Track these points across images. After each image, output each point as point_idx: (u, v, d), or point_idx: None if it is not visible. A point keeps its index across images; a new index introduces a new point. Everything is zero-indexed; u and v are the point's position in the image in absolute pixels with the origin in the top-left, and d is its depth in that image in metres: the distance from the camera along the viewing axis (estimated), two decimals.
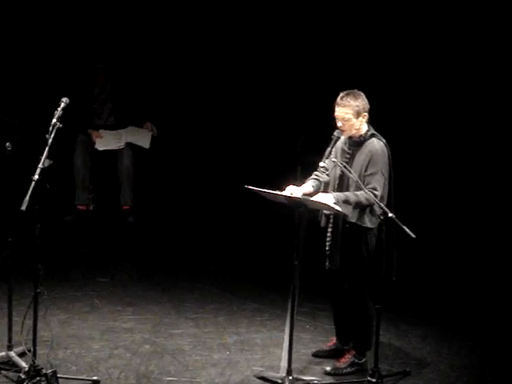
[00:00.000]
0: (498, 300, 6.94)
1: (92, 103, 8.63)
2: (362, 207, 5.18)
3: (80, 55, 8.94)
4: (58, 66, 9.07)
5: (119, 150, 8.59)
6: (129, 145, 8.59)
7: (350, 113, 5.20)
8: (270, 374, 5.30)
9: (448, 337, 6.13)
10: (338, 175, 5.30)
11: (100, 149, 8.57)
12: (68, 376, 5.13)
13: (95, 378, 5.13)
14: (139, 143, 8.62)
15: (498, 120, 8.72)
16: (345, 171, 5.20)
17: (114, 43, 8.91)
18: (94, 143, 8.59)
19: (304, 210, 5.16)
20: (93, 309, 6.37)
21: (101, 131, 8.62)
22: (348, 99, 5.21)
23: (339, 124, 5.24)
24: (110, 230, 8.45)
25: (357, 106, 5.20)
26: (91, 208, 8.74)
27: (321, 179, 5.39)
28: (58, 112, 5.09)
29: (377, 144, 5.24)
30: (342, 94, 5.26)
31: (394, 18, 8.80)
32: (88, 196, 8.66)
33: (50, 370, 4.97)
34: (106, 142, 8.61)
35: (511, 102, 8.64)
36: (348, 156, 5.29)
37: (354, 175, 5.16)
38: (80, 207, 8.62)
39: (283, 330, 6.02)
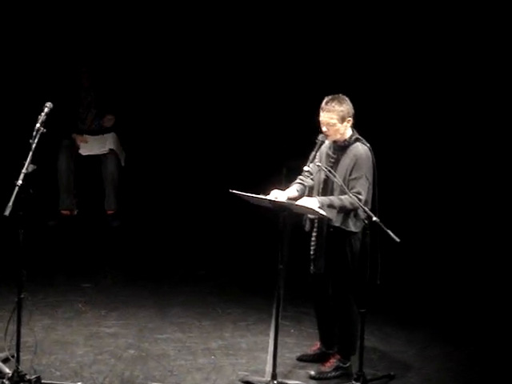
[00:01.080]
0: (481, 303, 6.97)
1: (77, 107, 8.62)
2: (346, 211, 5.19)
3: (66, 58, 8.92)
4: (42, 69, 9.04)
5: (103, 154, 8.58)
6: (112, 150, 8.58)
7: (335, 118, 5.21)
8: (255, 379, 5.30)
9: (432, 340, 6.15)
10: (322, 179, 5.32)
11: (84, 154, 8.56)
12: (52, 382, 5.10)
13: (79, 383, 5.11)
14: (119, 154, 8.64)
15: (482, 123, 8.77)
16: (329, 175, 5.21)
17: (99, 47, 8.89)
18: (78, 148, 8.57)
19: (288, 214, 5.17)
20: (77, 314, 6.35)
21: (85, 136, 8.61)
22: (333, 104, 5.22)
23: (324, 129, 5.26)
24: (94, 235, 8.42)
25: (341, 110, 5.22)
26: (75, 213, 8.71)
27: (305, 183, 5.40)
28: (42, 117, 5.07)
29: (361, 148, 5.25)
30: (326, 99, 5.27)
31: (377, 23, 8.84)
32: (72, 201, 8.63)
33: (33, 376, 4.96)
34: (90, 147, 8.60)
35: (495, 103, 8.69)
36: (332, 160, 5.31)
37: (338, 179, 5.17)
38: (64, 212, 8.59)
39: (268, 335, 6.02)
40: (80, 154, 8.56)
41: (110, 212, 8.64)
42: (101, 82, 8.64)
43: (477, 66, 8.66)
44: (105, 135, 8.63)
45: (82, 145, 8.56)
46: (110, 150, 8.56)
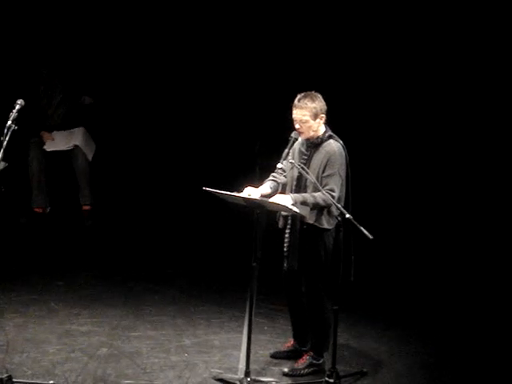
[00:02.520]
0: (453, 300, 7.03)
1: (43, 107, 8.58)
2: (319, 208, 5.20)
3: (26, 60, 8.86)
4: (5, 70, 8.97)
5: (71, 150, 8.55)
6: (77, 146, 8.56)
7: (308, 115, 5.22)
8: (228, 376, 5.30)
9: (404, 337, 6.19)
10: (295, 176, 5.32)
11: (48, 150, 8.53)
12: (24, 380, 5.06)
13: (52, 382, 5.07)
14: (84, 151, 8.59)
15: (452, 118, 8.83)
16: (302, 172, 5.22)
17: (59, 48, 8.84)
18: (43, 144, 8.55)
19: (262, 211, 5.17)
20: (49, 312, 6.31)
21: (54, 133, 8.58)
22: (305, 101, 5.23)
23: (297, 126, 5.26)
24: (67, 233, 8.37)
25: (314, 107, 5.23)
26: (48, 211, 8.67)
27: (278, 180, 5.41)
28: (14, 114, 5.04)
29: (334, 145, 5.27)
30: (299, 96, 5.28)
31: (346, 19, 8.85)
32: (45, 198, 8.59)
33: (5, 375, 4.92)
34: (55, 143, 8.57)
35: (464, 97, 8.75)
36: (305, 157, 5.31)
37: (311, 176, 5.18)
38: (36, 210, 8.54)
39: (241, 332, 6.03)
40: (45, 149, 8.53)
41: (85, 207, 8.62)
42: (69, 81, 8.61)
43: (454, 58, 8.70)
44: (73, 130, 8.61)
45: (47, 141, 8.53)
46: (75, 145, 8.53)
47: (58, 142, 8.57)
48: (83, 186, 8.58)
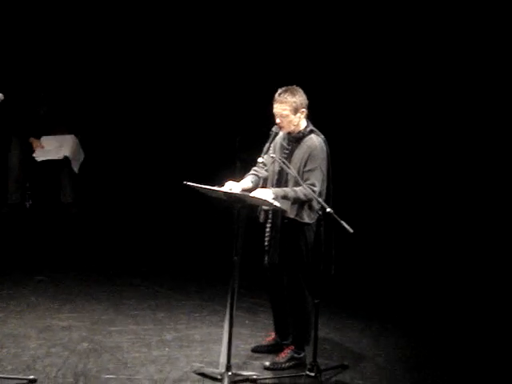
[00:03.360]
0: (432, 294, 7.07)
1: (32, 113, 8.55)
2: (300, 203, 5.21)
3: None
4: None
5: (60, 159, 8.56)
6: (66, 157, 8.52)
7: (288, 109, 5.22)
8: (210, 370, 5.30)
9: (385, 330, 6.22)
10: (276, 171, 5.33)
11: (39, 159, 8.49)
12: (4, 376, 5.03)
13: (32, 376, 5.04)
14: (72, 163, 8.56)
15: (432, 112, 8.87)
16: (283, 167, 5.23)
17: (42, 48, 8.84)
18: (33, 151, 8.51)
19: (243, 205, 5.17)
20: (29, 307, 6.28)
21: (43, 139, 8.53)
22: (285, 95, 5.23)
23: (277, 120, 5.26)
24: (48, 228, 8.34)
25: (294, 102, 5.23)
26: (28, 206, 8.64)
27: (260, 175, 5.41)
28: None
29: (316, 140, 5.27)
30: (279, 91, 5.28)
31: (326, 11, 8.86)
32: (21, 195, 8.56)
33: None
34: (45, 151, 8.53)
35: (446, 86, 8.79)
36: (287, 152, 5.32)
37: (292, 171, 5.19)
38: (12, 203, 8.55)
39: (222, 326, 6.02)
40: (34, 157, 8.50)
41: (67, 203, 8.63)
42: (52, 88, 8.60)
43: (438, 47, 8.74)
44: (64, 137, 8.57)
45: (37, 149, 8.50)
46: (65, 157, 8.50)
47: (48, 151, 8.52)
48: (65, 185, 8.57)
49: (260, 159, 5.29)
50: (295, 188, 5.18)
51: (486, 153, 8.69)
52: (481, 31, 8.50)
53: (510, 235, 8.13)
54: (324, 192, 5.28)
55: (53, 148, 8.53)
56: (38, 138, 8.54)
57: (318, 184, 5.19)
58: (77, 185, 8.68)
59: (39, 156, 8.49)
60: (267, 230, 5.37)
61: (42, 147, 8.49)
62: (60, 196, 8.62)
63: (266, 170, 5.41)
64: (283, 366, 5.41)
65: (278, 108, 5.24)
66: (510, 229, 8.22)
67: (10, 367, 5.21)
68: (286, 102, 5.21)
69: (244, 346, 5.72)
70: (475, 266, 7.71)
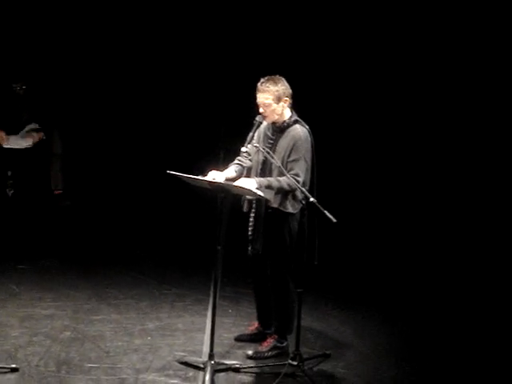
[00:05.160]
0: (416, 283, 7.10)
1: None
2: (284, 192, 5.21)
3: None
4: None
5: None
6: (56, 130, 8.50)
7: (270, 98, 5.21)
8: (192, 359, 5.30)
9: (368, 319, 6.25)
10: (260, 160, 5.32)
11: (6, 146, 8.45)
12: None
13: (14, 365, 5.03)
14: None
15: (417, 98, 8.90)
16: (267, 157, 5.22)
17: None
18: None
19: (226, 195, 5.16)
20: (11, 296, 6.26)
21: (10, 137, 8.49)
22: (268, 84, 5.23)
23: (261, 110, 5.26)
24: (29, 216, 8.30)
25: (277, 90, 5.22)
26: (10, 195, 8.60)
27: (243, 164, 5.41)
28: None
29: (300, 130, 5.27)
30: (262, 80, 5.27)
31: (310, 0, 8.86)
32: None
33: None
34: (14, 142, 8.50)
35: (433, 79, 8.82)
36: (271, 142, 5.31)
37: (276, 161, 5.18)
38: None
39: (205, 315, 6.03)
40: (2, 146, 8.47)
41: (57, 192, 8.61)
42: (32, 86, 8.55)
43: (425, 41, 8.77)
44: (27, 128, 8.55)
45: (5, 140, 8.48)
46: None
47: (16, 141, 8.49)
48: (55, 173, 8.56)
49: (244, 149, 5.27)
50: (279, 178, 5.17)
51: (474, 142, 8.73)
52: (480, 31, 8.51)
53: (490, 220, 8.21)
54: (308, 182, 5.28)
55: (19, 138, 8.51)
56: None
57: (301, 174, 5.19)
58: (66, 174, 8.69)
59: (7, 144, 8.47)
60: (251, 219, 5.37)
61: (4, 139, 8.47)
62: (50, 185, 8.61)
63: (250, 160, 5.40)
64: (266, 354, 5.42)
65: (260, 97, 5.24)
66: (489, 214, 8.30)
67: None
68: (268, 91, 5.21)
69: (227, 334, 5.72)
70: (459, 252, 7.75)
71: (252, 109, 5.36)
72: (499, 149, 8.66)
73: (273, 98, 5.22)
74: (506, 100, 8.57)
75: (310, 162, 5.27)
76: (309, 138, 5.28)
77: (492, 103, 8.66)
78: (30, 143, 8.49)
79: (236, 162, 5.42)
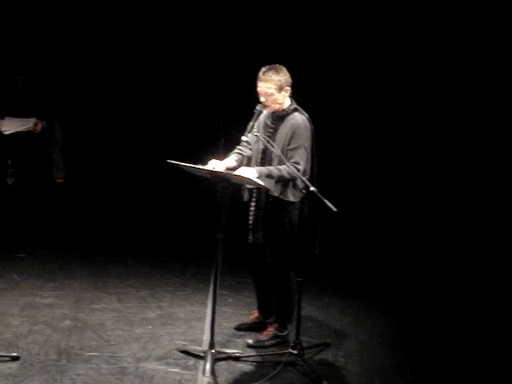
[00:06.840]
0: (415, 273, 7.11)
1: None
2: (284, 181, 5.20)
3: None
4: None
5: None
6: (56, 118, 8.50)
7: (273, 87, 5.20)
8: (193, 348, 5.31)
9: (368, 308, 6.26)
10: (260, 149, 5.31)
11: (6, 133, 8.42)
12: None
13: (14, 354, 5.04)
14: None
15: (415, 92, 8.90)
16: (267, 145, 5.21)
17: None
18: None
19: (227, 184, 5.15)
20: (11, 285, 6.27)
21: (6, 118, 8.47)
22: (270, 74, 5.21)
23: (262, 99, 5.24)
24: (29, 205, 8.30)
25: (279, 80, 5.21)
26: (10, 183, 8.59)
27: (244, 153, 5.40)
28: None
29: (299, 118, 5.26)
30: (263, 69, 5.25)
31: None
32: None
33: None
34: (11, 125, 8.47)
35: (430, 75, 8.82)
36: (271, 130, 5.30)
37: (276, 149, 5.18)
38: None
39: (206, 304, 6.04)
40: (2, 133, 8.44)
41: (59, 180, 8.63)
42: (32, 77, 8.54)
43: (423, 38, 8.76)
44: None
45: (3, 124, 8.43)
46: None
47: (14, 124, 8.47)
48: (57, 161, 8.57)
49: (244, 138, 5.27)
50: (279, 166, 5.17)
51: (470, 138, 8.73)
52: (480, 31, 8.50)
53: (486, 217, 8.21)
54: (308, 171, 5.28)
55: (17, 121, 8.49)
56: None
57: (302, 162, 5.18)
58: (67, 163, 8.70)
59: (6, 130, 8.44)
60: (251, 208, 5.37)
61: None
62: (52, 174, 8.61)
63: (250, 149, 5.40)
64: (266, 343, 5.43)
65: (262, 87, 5.22)
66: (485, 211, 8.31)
67: None
68: (270, 81, 5.19)
69: (227, 323, 5.73)
70: (458, 242, 7.76)
71: (252, 98, 5.35)
72: (499, 146, 8.65)
73: (275, 87, 5.20)
74: (506, 100, 8.56)
75: (309, 151, 5.26)
76: (308, 126, 5.27)
77: (492, 103, 8.65)
78: (30, 125, 8.47)
79: (236, 151, 5.42)
